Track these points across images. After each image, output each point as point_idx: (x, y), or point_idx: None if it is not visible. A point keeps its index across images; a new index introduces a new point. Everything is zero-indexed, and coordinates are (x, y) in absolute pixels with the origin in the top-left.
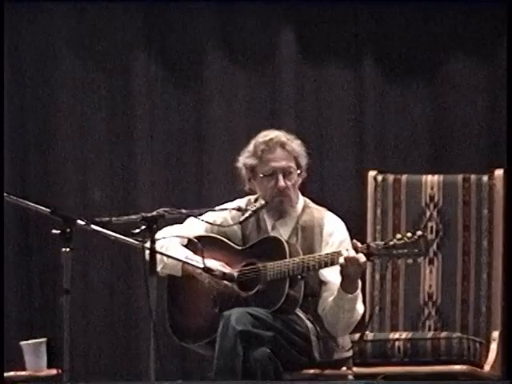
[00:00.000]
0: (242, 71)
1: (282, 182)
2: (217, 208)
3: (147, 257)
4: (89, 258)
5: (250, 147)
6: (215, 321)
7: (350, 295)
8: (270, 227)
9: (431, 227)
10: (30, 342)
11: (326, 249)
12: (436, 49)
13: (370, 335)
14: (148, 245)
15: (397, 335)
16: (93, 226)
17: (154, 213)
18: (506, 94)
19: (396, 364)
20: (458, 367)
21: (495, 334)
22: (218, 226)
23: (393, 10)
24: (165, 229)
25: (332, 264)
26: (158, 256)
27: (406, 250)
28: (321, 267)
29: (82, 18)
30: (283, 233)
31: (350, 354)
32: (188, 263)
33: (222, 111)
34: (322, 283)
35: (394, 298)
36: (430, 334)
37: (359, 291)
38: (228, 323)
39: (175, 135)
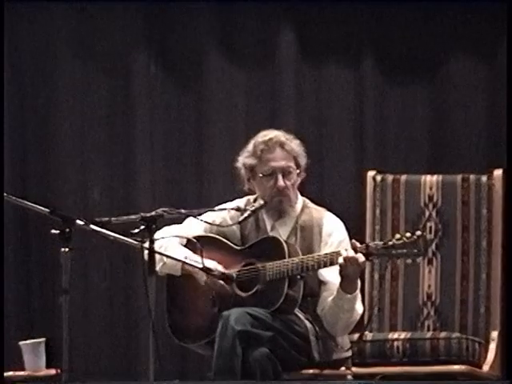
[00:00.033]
0: (242, 71)
1: (281, 182)
2: (216, 208)
3: (146, 257)
4: (88, 258)
5: (250, 147)
6: (214, 321)
7: (349, 295)
8: (269, 227)
9: (430, 227)
10: (28, 341)
11: (325, 249)
12: (436, 49)
13: (369, 335)
14: (147, 245)
15: (396, 335)
16: (92, 226)
17: (153, 213)
18: (505, 93)
19: (395, 364)
20: (456, 367)
21: (494, 334)
22: (217, 225)
23: (393, 10)
24: (164, 229)
25: (331, 264)
26: (158, 255)
27: (405, 250)
28: (320, 267)
29: (82, 18)
30: (282, 233)
31: (349, 354)
32: (187, 263)
33: (222, 111)
34: (321, 283)
35: (393, 298)
36: (428, 334)
37: (358, 291)
38: (227, 323)
39: (175, 135)
